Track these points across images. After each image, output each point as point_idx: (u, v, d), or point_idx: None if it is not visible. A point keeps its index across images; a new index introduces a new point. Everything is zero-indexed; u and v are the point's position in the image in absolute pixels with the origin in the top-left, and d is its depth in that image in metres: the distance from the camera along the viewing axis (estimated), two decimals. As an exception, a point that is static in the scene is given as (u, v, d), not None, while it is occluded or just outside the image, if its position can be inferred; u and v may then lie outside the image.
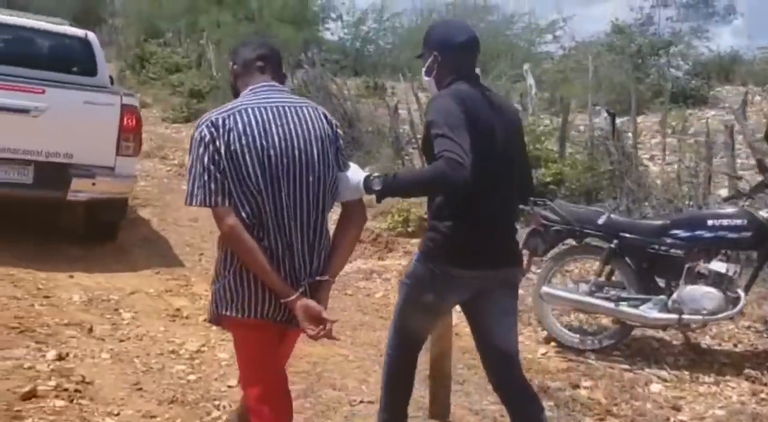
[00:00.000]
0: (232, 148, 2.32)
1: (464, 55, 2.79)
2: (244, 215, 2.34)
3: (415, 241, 7.26)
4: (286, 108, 2.45)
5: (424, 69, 2.83)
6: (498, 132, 2.72)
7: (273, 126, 2.38)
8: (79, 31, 7.20)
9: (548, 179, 7.49)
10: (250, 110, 2.40)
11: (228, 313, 2.44)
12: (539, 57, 26.05)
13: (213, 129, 2.35)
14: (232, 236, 2.36)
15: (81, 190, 5.84)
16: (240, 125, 2.35)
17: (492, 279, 2.79)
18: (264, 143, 2.35)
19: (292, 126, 2.41)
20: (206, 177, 2.32)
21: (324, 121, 2.50)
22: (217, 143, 2.33)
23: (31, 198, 6.04)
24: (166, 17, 27.09)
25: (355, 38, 28.05)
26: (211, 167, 2.32)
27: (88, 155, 5.89)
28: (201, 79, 18.53)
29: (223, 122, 2.36)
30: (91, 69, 7.11)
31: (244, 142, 2.33)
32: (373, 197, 2.55)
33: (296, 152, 2.39)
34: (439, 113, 2.56)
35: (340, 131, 2.55)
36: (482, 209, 2.68)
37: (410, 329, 2.99)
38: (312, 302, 2.39)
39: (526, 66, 9.85)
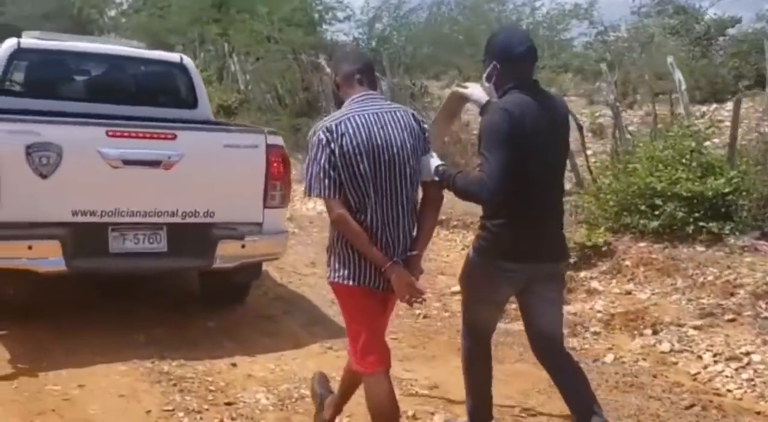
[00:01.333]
0: (345, 149, 2.81)
1: (522, 64, 3.05)
2: (352, 203, 2.85)
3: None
4: (384, 113, 2.92)
5: (484, 75, 3.07)
6: (546, 136, 3.00)
7: (375, 128, 2.85)
8: (173, 56, 6.13)
9: (726, 190, 6.42)
10: (356, 117, 2.87)
11: (338, 281, 2.96)
12: (564, 44, 25.11)
13: (328, 134, 2.83)
14: (340, 222, 2.86)
15: (229, 255, 4.71)
16: (350, 130, 2.83)
17: (537, 272, 3.11)
18: (370, 142, 2.82)
19: (390, 128, 2.88)
20: (322, 174, 2.82)
21: (413, 120, 2.96)
22: (333, 145, 2.81)
23: (166, 269, 4.97)
24: (172, 29, 25.95)
25: (370, 38, 26.96)
26: (326, 166, 2.81)
27: (233, 211, 4.75)
28: (228, 93, 17.40)
29: (336, 127, 2.83)
30: (190, 100, 6.11)
31: (354, 143, 2.81)
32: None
33: (394, 149, 2.86)
34: (486, 130, 2.94)
35: (426, 126, 3.02)
36: (527, 208, 3.01)
37: (476, 319, 3.33)
38: (404, 271, 2.87)
39: (670, 59, 8.73)
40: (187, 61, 6.10)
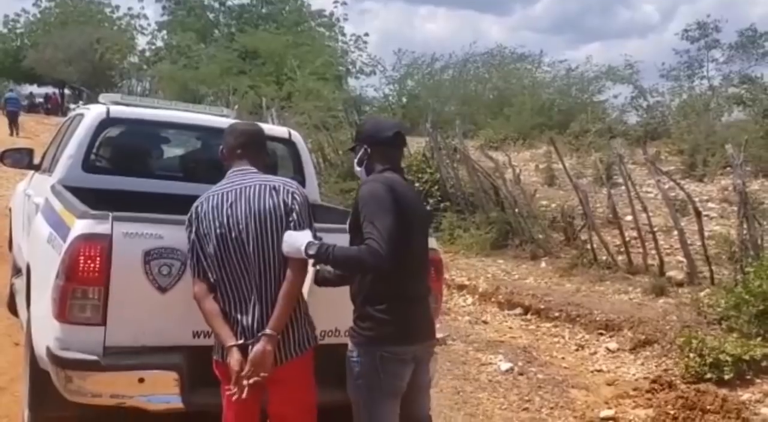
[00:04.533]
0: (199, 231, 2.90)
1: (392, 149, 3.10)
2: (212, 281, 2.90)
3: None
4: (238, 189, 2.92)
5: (356, 159, 3.11)
6: (418, 219, 3.05)
7: (225, 207, 2.89)
8: (281, 131, 5.34)
9: None
10: (212, 197, 2.94)
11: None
12: (596, 106, 24.50)
13: (191, 215, 2.95)
14: (196, 299, 2.94)
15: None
16: (203, 211, 2.91)
17: (423, 351, 3.08)
18: (217, 223, 2.87)
19: (238, 205, 2.88)
20: (191, 252, 2.95)
21: (268, 193, 2.90)
22: (192, 226, 2.93)
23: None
24: (202, 80, 25.49)
25: (400, 94, 26.55)
26: (190, 245, 2.95)
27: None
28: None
29: (196, 209, 2.95)
30: (299, 179, 5.24)
31: (204, 225, 2.89)
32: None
33: (240, 227, 2.85)
34: (371, 198, 2.85)
35: (293, 196, 2.93)
36: (410, 287, 2.97)
37: None
38: (233, 361, 2.80)
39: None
40: (296, 136, 5.32)
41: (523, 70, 27.46)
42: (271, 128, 5.38)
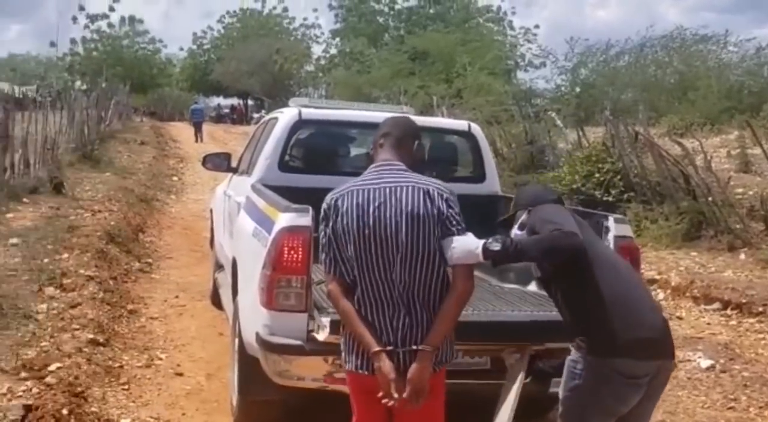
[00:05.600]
0: (337, 227, 2.62)
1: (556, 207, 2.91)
2: (349, 281, 2.64)
3: None
4: (387, 189, 2.62)
5: (516, 225, 2.97)
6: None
7: (371, 208, 2.59)
8: (461, 124, 5.36)
9: None
10: (355, 192, 2.64)
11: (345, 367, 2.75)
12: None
13: (327, 209, 2.66)
14: (331, 298, 2.72)
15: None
16: (344, 207, 2.61)
17: (658, 370, 2.70)
18: (360, 223, 2.58)
19: (385, 207, 2.59)
20: (322, 249, 2.67)
21: (422, 199, 2.59)
22: (329, 221, 2.64)
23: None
24: (374, 83, 26.23)
25: (573, 84, 25.75)
26: (324, 241, 2.66)
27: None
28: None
29: (335, 202, 2.64)
30: (479, 173, 5.28)
31: (344, 223, 2.60)
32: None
33: (388, 231, 2.57)
34: (546, 215, 2.75)
35: (448, 202, 2.61)
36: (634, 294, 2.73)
37: None
38: (389, 364, 2.53)
39: None
40: (476, 129, 5.33)
41: (707, 52, 25.71)
42: (449, 122, 5.47)
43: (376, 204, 2.59)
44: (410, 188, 2.62)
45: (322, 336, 3.28)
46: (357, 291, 2.62)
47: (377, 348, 2.54)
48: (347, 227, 2.60)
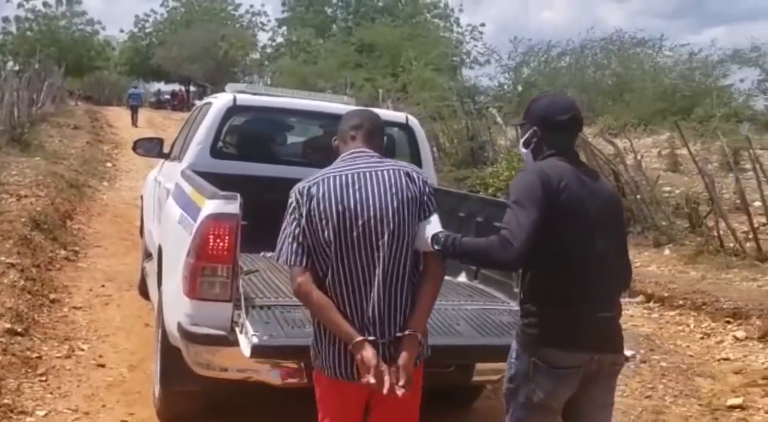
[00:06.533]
0: (312, 213, 2.51)
1: (564, 133, 2.72)
2: (321, 274, 2.52)
3: None
4: (366, 173, 2.57)
5: (522, 140, 2.81)
6: (589, 210, 2.60)
7: (350, 190, 2.52)
8: (398, 116, 5.36)
9: None
10: (331, 178, 2.56)
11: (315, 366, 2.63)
12: (721, 91, 23.16)
13: (299, 196, 2.55)
14: (299, 293, 2.56)
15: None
16: (320, 192, 2.52)
17: (599, 366, 2.60)
18: (340, 207, 2.50)
19: (368, 189, 2.53)
20: (290, 239, 2.53)
21: (404, 179, 2.57)
22: (302, 209, 2.53)
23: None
24: (320, 74, 26.09)
25: (516, 83, 26.14)
26: (296, 231, 2.52)
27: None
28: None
29: (308, 190, 2.54)
30: (414, 164, 5.25)
31: (321, 207, 2.51)
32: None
33: (371, 212, 2.50)
34: (518, 187, 2.57)
35: (426, 184, 2.61)
36: (585, 289, 2.56)
37: None
38: (372, 352, 2.44)
39: None
40: (413, 121, 5.34)
41: (644, 56, 26.50)
42: (387, 113, 5.46)
43: (356, 187, 2.53)
44: (391, 171, 2.58)
45: (246, 352, 3.14)
46: (328, 281, 2.52)
47: (359, 338, 2.44)
48: (325, 212, 2.50)
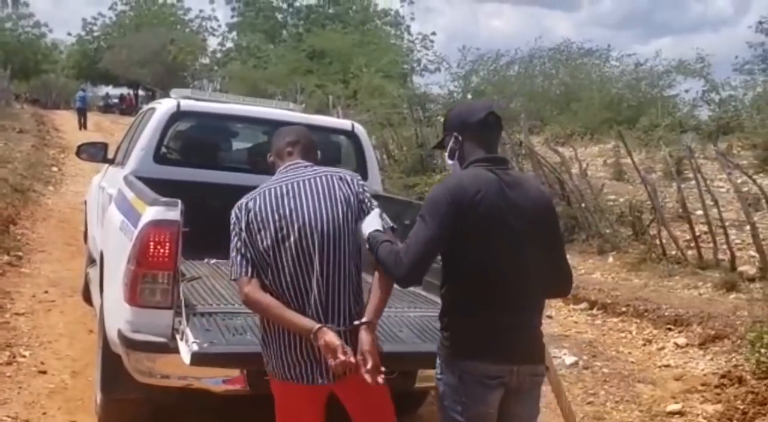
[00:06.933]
0: (250, 226, 2.66)
1: (484, 133, 2.68)
2: (267, 282, 2.64)
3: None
4: (301, 181, 2.72)
5: (446, 152, 2.76)
6: (509, 221, 2.54)
7: (285, 200, 2.68)
8: (344, 123, 5.40)
9: None
10: (267, 191, 2.72)
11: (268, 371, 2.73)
12: (667, 101, 23.79)
13: (238, 211, 2.71)
14: (249, 301, 2.66)
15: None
16: (257, 206, 2.68)
17: (520, 378, 2.58)
18: (276, 216, 2.65)
19: (303, 197, 2.68)
20: (234, 253, 2.67)
21: (338, 183, 2.72)
22: (241, 223, 2.67)
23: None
24: (270, 79, 25.96)
25: (465, 91, 26.41)
26: (238, 245, 2.67)
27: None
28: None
29: (246, 205, 2.70)
30: (361, 172, 5.23)
31: (259, 219, 2.65)
32: None
33: (306, 218, 2.64)
34: (428, 201, 2.62)
35: (362, 186, 2.78)
36: (502, 300, 2.53)
37: None
38: (334, 336, 2.52)
39: None
40: (359, 129, 5.37)
41: (591, 66, 27.03)
42: (334, 121, 5.49)
43: (290, 196, 2.69)
44: (324, 177, 2.75)
45: (186, 359, 3.11)
46: (273, 286, 2.64)
47: (318, 325, 2.54)
48: (262, 223, 2.65)
